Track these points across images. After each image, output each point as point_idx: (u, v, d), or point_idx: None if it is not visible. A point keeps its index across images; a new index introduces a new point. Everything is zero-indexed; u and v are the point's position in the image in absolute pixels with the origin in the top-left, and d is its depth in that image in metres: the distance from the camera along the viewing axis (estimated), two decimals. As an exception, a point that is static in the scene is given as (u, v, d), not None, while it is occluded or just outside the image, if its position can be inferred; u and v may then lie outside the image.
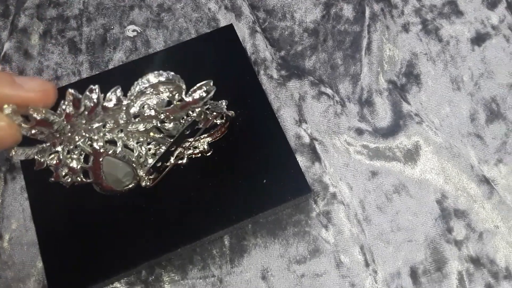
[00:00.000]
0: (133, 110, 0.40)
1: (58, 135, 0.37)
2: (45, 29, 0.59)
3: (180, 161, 0.48)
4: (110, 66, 0.57)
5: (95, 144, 0.41)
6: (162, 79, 0.37)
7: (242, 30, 0.57)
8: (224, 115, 0.47)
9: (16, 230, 0.50)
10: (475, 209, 0.50)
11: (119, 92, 0.37)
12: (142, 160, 0.45)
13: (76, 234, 0.46)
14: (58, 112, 0.35)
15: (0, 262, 0.49)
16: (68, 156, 0.41)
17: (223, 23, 0.58)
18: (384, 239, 0.49)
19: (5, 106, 0.31)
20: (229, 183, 0.48)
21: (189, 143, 0.47)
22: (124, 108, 0.39)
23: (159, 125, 0.43)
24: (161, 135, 0.45)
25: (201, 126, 0.45)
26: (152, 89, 0.38)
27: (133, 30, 0.59)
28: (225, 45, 0.53)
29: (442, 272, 0.48)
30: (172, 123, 0.44)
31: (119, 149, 0.43)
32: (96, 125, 0.39)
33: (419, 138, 0.53)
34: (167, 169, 0.47)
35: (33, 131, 0.34)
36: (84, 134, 0.40)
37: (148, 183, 0.46)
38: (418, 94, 0.55)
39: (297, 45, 0.57)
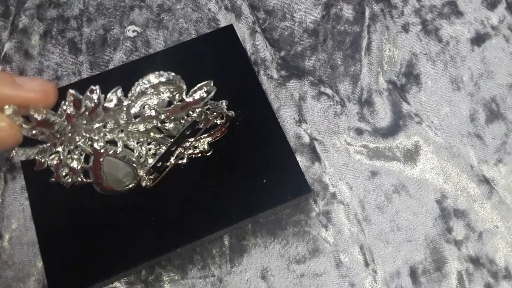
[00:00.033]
0: (134, 110, 0.40)
1: (58, 136, 0.37)
2: (45, 29, 0.59)
3: (180, 161, 0.48)
4: (111, 66, 0.57)
5: (95, 144, 0.41)
6: (163, 79, 0.37)
7: (242, 31, 0.58)
8: (224, 115, 0.47)
9: (16, 230, 0.50)
10: (474, 209, 0.50)
11: (119, 92, 0.37)
12: (142, 160, 0.45)
13: (76, 234, 0.46)
14: (59, 112, 0.35)
15: (0, 261, 0.49)
16: (69, 156, 0.41)
17: (223, 23, 0.58)
18: (383, 239, 0.49)
19: (6, 107, 0.31)
20: (229, 183, 0.48)
21: (189, 143, 0.47)
22: (125, 108, 0.39)
23: (159, 125, 0.43)
24: (161, 135, 0.45)
25: (201, 126, 0.45)
26: (152, 90, 0.38)
27: (133, 31, 0.59)
28: (225, 45, 0.54)
29: (442, 272, 0.48)
30: (172, 123, 0.44)
31: (119, 149, 0.43)
32: (96, 125, 0.39)
33: (419, 138, 0.53)
34: (167, 169, 0.47)
35: (33, 132, 0.34)
36: (84, 134, 0.40)
37: (148, 183, 0.47)
38: (418, 94, 0.55)
39: (297, 45, 0.57)
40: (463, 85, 0.55)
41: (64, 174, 0.42)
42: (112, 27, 0.59)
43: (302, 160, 0.52)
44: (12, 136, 0.31)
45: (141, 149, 0.45)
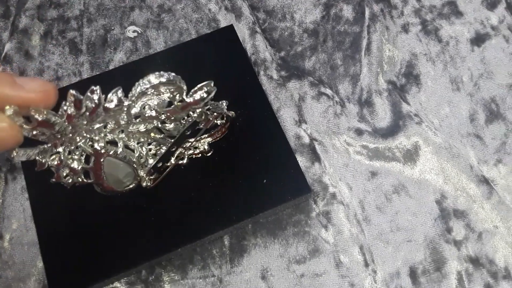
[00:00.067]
0: (134, 110, 0.40)
1: (59, 136, 0.37)
2: (45, 30, 0.59)
3: (180, 162, 0.48)
4: (111, 67, 0.57)
5: (96, 145, 0.41)
6: (163, 79, 0.38)
7: (242, 31, 0.58)
8: (225, 115, 0.48)
9: (16, 230, 0.50)
10: (474, 209, 0.50)
11: (120, 93, 0.37)
12: (142, 160, 0.45)
13: (76, 234, 0.47)
14: (60, 113, 0.35)
15: (1, 261, 0.49)
16: (69, 156, 0.41)
17: (223, 23, 0.59)
18: (383, 239, 0.49)
19: (7, 107, 0.31)
20: (230, 183, 0.48)
21: (190, 143, 0.47)
22: (125, 108, 0.39)
23: (160, 125, 0.43)
24: (161, 136, 0.45)
25: (201, 126, 0.45)
26: (153, 90, 0.38)
27: (134, 31, 0.59)
28: (225, 45, 0.54)
29: (441, 272, 0.48)
30: (172, 124, 0.44)
31: (120, 150, 0.43)
32: (97, 125, 0.39)
33: (418, 139, 0.53)
34: (167, 169, 0.47)
35: (34, 132, 0.34)
36: (85, 134, 0.40)
37: (148, 184, 0.47)
38: (418, 95, 0.55)
39: (297, 45, 0.57)
40: (463, 86, 0.55)
41: (64, 174, 0.42)
42: (113, 28, 0.59)
43: (302, 161, 0.52)
44: (13, 137, 0.31)
45: (142, 149, 0.45)
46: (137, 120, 0.41)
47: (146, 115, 0.41)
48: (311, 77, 0.56)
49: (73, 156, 0.41)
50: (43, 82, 0.33)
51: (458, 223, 0.50)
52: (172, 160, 0.47)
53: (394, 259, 0.48)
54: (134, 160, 0.44)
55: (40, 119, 0.33)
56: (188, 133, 0.45)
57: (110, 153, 0.42)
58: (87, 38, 0.59)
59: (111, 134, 0.42)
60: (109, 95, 0.37)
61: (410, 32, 0.58)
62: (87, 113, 0.36)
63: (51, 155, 0.40)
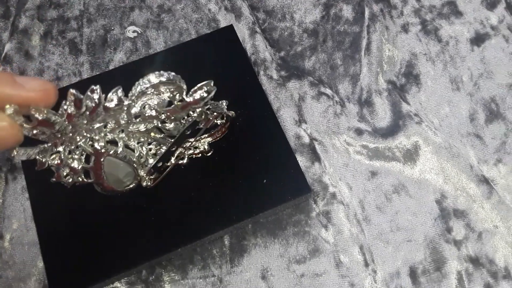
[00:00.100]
0: (134, 110, 0.40)
1: (59, 135, 0.37)
2: (45, 30, 0.59)
3: (180, 161, 0.48)
4: (111, 67, 0.57)
5: (96, 144, 0.41)
6: (163, 79, 0.38)
7: (242, 31, 0.58)
8: (225, 115, 0.48)
9: (17, 230, 0.50)
10: (474, 209, 0.50)
11: (120, 92, 0.37)
12: (143, 160, 0.45)
13: (77, 234, 0.47)
14: (60, 112, 0.35)
15: (1, 261, 0.49)
16: (70, 156, 0.41)
17: (223, 23, 0.59)
18: (383, 239, 0.49)
19: (7, 106, 0.31)
20: (230, 183, 0.48)
21: (190, 143, 0.47)
22: (125, 108, 0.39)
23: (160, 125, 0.44)
24: (162, 135, 0.45)
25: (201, 126, 0.45)
26: (153, 89, 0.38)
27: (134, 31, 0.59)
28: (225, 45, 0.54)
29: (441, 272, 0.48)
30: (173, 123, 0.44)
31: (120, 149, 0.43)
32: (97, 125, 0.39)
33: (418, 138, 0.53)
34: (167, 169, 0.47)
35: (34, 131, 0.34)
36: (85, 134, 0.40)
37: (149, 183, 0.47)
38: (418, 94, 0.55)
39: (297, 45, 0.57)
40: (463, 85, 0.55)
41: (65, 174, 0.42)
42: (112, 28, 0.59)
43: (302, 160, 0.52)
44: (13, 136, 0.31)
45: (142, 149, 0.45)
46: (137, 120, 0.42)
47: (146, 114, 0.41)
48: (311, 77, 0.56)
49: (73, 156, 0.41)
50: (43, 81, 0.33)
51: (458, 223, 0.50)
52: (172, 160, 0.47)
53: (394, 259, 0.48)
54: (134, 159, 0.44)
55: (40, 118, 0.33)
56: (188, 132, 0.45)
57: (110, 152, 0.42)
58: (87, 38, 0.59)
59: (111, 134, 0.42)
60: (109, 95, 0.37)
61: (410, 32, 0.58)
62: (87, 113, 0.36)
63: (51, 155, 0.40)
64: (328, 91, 0.55)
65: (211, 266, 0.49)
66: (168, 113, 0.42)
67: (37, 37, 0.59)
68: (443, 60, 0.56)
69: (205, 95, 0.41)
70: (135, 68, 0.53)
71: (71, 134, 0.38)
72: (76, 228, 0.47)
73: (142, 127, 0.43)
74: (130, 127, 0.42)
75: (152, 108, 0.41)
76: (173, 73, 0.38)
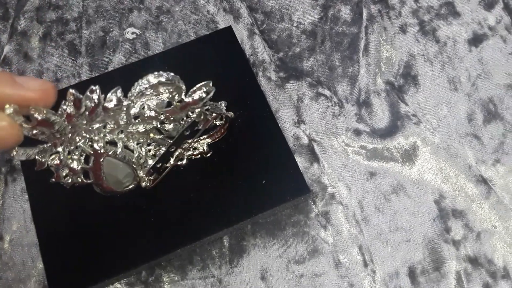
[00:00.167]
0: (133, 111, 0.40)
1: (59, 136, 0.37)
2: (44, 31, 0.59)
3: (179, 162, 0.48)
4: (110, 68, 0.57)
5: (95, 145, 0.41)
6: (162, 79, 0.38)
7: (241, 32, 0.58)
8: (224, 116, 0.48)
9: (16, 232, 0.50)
10: (473, 209, 0.50)
11: (119, 92, 0.37)
12: (142, 161, 0.45)
13: (76, 235, 0.47)
14: (59, 112, 0.35)
15: (1, 263, 0.49)
16: (69, 156, 0.41)
17: (221, 25, 0.59)
18: (382, 239, 0.49)
19: (7, 106, 0.31)
20: (229, 184, 0.48)
21: (189, 144, 0.48)
22: (125, 108, 0.39)
23: (159, 126, 0.44)
24: (161, 136, 0.45)
25: (200, 127, 0.46)
26: (152, 90, 0.38)
27: (133, 33, 0.59)
28: (224, 47, 0.54)
29: (440, 272, 0.48)
30: (172, 124, 0.44)
31: (119, 150, 0.43)
32: (96, 125, 0.40)
33: (416, 139, 0.53)
34: (167, 170, 0.48)
35: (34, 131, 0.34)
36: (84, 134, 0.40)
37: (148, 184, 0.47)
38: (416, 95, 0.55)
39: (295, 46, 0.58)
40: (461, 86, 0.55)
41: (64, 174, 0.42)
42: (111, 29, 0.59)
43: (300, 161, 0.52)
44: (13, 135, 0.31)
45: (141, 150, 0.45)
46: (137, 121, 0.42)
47: (145, 115, 0.41)
48: (310, 78, 0.56)
49: (72, 156, 0.41)
50: (42, 81, 0.33)
51: (456, 223, 0.50)
52: (171, 161, 0.47)
53: (393, 259, 0.49)
54: (134, 160, 0.44)
55: (39, 118, 0.33)
56: (187, 133, 0.45)
57: (110, 153, 0.42)
58: (86, 40, 0.59)
59: (111, 135, 0.42)
60: (109, 95, 0.37)
61: (408, 33, 0.58)
62: (87, 113, 0.36)
63: (51, 155, 0.40)
64: (327, 92, 0.55)
65: (210, 266, 0.49)
66: (167, 114, 0.42)
67: (36, 39, 0.59)
68: (441, 60, 0.56)
69: (204, 95, 0.41)
70: (134, 69, 0.53)
71: (70, 135, 0.38)
72: (75, 229, 0.47)
73: (141, 128, 0.43)
74: (129, 128, 0.42)
75: (151, 109, 0.41)
76: (172, 74, 0.38)
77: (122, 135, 0.43)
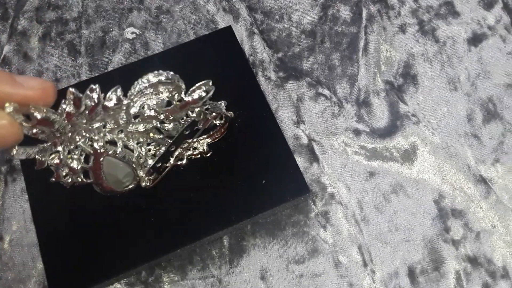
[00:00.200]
0: (133, 110, 0.40)
1: (59, 135, 0.37)
2: (44, 31, 0.59)
3: (179, 162, 0.48)
4: (110, 68, 0.57)
5: (95, 144, 0.41)
6: (162, 78, 0.38)
7: (240, 32, 0.58)
8: (223, 115, 0.48)
9: (16, 232, 0.50)
10: (472, 208, 0.50)
11: (119, 91, 0.37)
12: (142, 160, 0.45)
13: (76, 235, 0.47)
14: (59, 111, 0.35)
15: (1, 263, 0.49)
16: (69, 156, 0.41)
17: (221, 25, 0.59)
18: (382, 239, 0.49)
19: (7, 104, 0.31)
20: (229, 183, 0.48)
21: (188, 143, 0.48)
22: (124, 108, 0.39)
23: (159, 125, 0.44)
24: (161, 136, 0.45)
25: (200, 126, 0.46)
26: (151, 89, 0.38)
27: (132, 33, 0.59)
28: (223, 47, 0.54)
29: (440, 272, 0.48)
30: (171, 124, 0.44)
31: (119, 150, 0.43)
32: (96, 125, 0.40)
33: (416, 139, 0.53)
34: (166, 169, 0.48)
35: (34, 130, 0.34)
36: (84, 134, 0.40)
37: (148, 184, 0.47)
38: (415, 95, 0.55)
39: (295, 46, 0.58)
40: (460, 85, 0.55)
41: (64, 174, 0.42)
42: (111, 29, 0.59)
43: (300, 161, 0.52)
44: (13, 134, 0.32)
45: (141, 149, 0.45)
46: (136, 120, 0.42)
47: (145, 114, 0.41)
48: (309, 78, 0.56)
49: (72, 156, 0.41)
50: (42, 80, 0.33)
51: (456, 222, 0.50)
52: (171, 161, 0.47)
53: (393, 259, 0.49)
54: (134, 160, 0.44)
55: (39, 117, 0.33)
56: (187, 132, 0.45)
57: (109, 152, 0.42)
58: (86, 40, 0.59)
59: (111, 134, 0.42)
60: (108, 94, 0.37)
61: (407, 33, 0.58)
62: (87, 112, 0.36)
63: (51, 154, 0.40)
64: (326, 92, 0.55)
65: (210, 266, 0.49)
66: (167, 113, 0.42)
67: (36, 39, 0.59)
68: (440, 60, 0.56)
69: (204, 94, 0.41)
70: (133, 69, 0.53)
71: (70, 134, 0.38)
72: (75, 229, 0.47)
73: (141, 128, 0.43)
74: (129, 128, 0.42)
75: (151, 108, 0.41)
76: (171, 73, 0.38)
77: (122, 135, 0.43)
